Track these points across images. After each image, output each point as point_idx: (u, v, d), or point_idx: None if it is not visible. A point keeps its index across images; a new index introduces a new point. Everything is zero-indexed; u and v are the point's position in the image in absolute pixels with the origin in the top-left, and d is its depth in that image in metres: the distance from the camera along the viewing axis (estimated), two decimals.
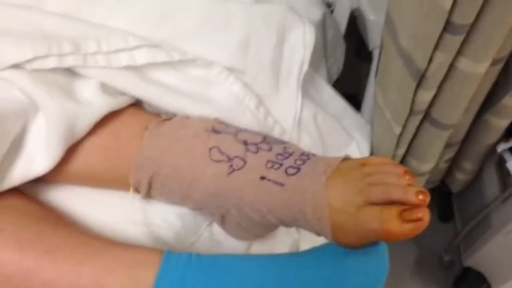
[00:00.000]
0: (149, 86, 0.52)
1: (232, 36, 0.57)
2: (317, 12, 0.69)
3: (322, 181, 0.45)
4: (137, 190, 0.51)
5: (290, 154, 0.48)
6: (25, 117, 0.47)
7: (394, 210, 0.41)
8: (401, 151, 0.73)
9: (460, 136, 0.79)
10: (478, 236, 0.97)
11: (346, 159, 0.48)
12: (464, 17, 0.49)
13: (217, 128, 0.50)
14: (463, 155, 0.86)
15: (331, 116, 0.68)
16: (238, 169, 0.47)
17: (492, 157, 0.89)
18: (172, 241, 0.53)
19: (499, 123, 0.75)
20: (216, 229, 0.55)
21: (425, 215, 0.41)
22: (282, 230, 0.60)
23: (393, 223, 0.41)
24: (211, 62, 0.55)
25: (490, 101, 0.73)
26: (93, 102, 0.49)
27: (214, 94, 0.56)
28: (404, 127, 0.65)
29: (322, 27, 0.70)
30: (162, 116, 0.54)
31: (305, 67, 0.61)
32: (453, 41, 0.52)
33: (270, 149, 0.48)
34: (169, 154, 0.48)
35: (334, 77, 0.76)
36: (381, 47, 0.64)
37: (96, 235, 0.47)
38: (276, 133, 0.60)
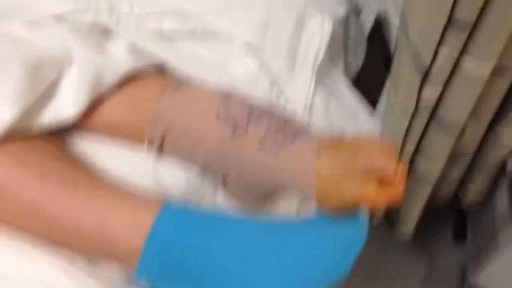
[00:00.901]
0: (173, 51, 0.57)
1: (254, 15, 0.62)
2: (340, 9, 0.73)
3: (314, 150, 0.49)
4: (151, 143, 0.56)
5: (291, 125, 0.52)
6: (61, 66, 0.53)
7: (372, 178, 0.46)
8: (409, 148, 0.75)
9: (472, 146, 0.81)
10: (486, 255, 0.98)
11: (341, 135, 0.52)
12: (466, 14, 0.52)
13: (227, 94, 0.55)
14: (475, 167, 0.88)
15: (344, 106, 0.72)
16: (240, 132, 0.51)
17: (506, 174, 0.90)
18: (178, 199, 0.58)
19: (509, 136, 0.77)
20: (220, 198, 0.59)
21: (400, 184, 0.45)
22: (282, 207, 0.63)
23: (371, 189, 0.45)
24: (232, 35, 0.61)
25: (501, 113, 0.75)
26: (121, 58, 0.55)
27: (232, 67, 0.61)
28: (411, 122, 0.68)
29: (344, 24, 0.75)
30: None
31: (321, 55, 0.66)
32: (457, 37, 0.55)
33: (273, 117, 0.53)
34: (182, 112, 0.53)
35: (353, 74, 0.80)
36: (396, 42, 0.68)
37: (109, 179, 0.53)
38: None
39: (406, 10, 0.59)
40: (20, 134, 0.50)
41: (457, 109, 0.66)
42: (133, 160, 0.58)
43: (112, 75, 0.54)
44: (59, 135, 0.55)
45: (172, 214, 0.49)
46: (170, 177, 0.58)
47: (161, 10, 0.57)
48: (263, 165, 0.51)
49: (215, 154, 0.53)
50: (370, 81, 0.92)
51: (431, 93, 0.63)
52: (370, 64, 0.86)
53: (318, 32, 0.65)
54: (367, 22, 0.83)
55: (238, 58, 0.61)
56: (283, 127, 0.52)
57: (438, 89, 0.63)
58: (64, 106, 0.53)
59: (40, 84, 0.52)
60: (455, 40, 0.55)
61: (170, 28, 0.57)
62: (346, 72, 0.77)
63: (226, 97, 0.55)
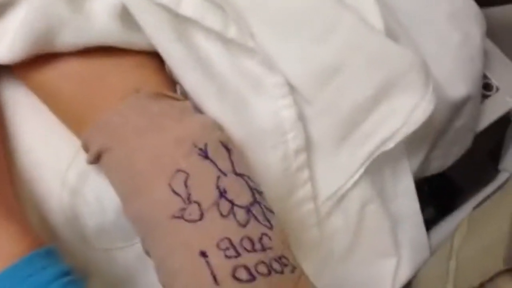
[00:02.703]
0: (178, 44, 0.37)
1: (324, 52, 0.40)
2: (460, 91, 0.50)
3: None
4: (85, 149, 0.38)
5: (262, 250, 0.32)
6: None
7: None
8: None
9: None
10: None
11: None
12: None
13: (209, 150, 0.35)
14: None
15: (388, 214, 0.50)
16: (186, 221, 0.32)
17: None
18: (92, 231, 0.41)
19: None
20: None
21: None
22: None
23: None
24: (275, 66, 0.40)
25: None
26: (98, 20, 0.36)
27: (255, 104, 0.40)
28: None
29: (455, 109, 0.51)
30: (175, 92, 0.39)
31: (390, 145, 0.44)
32: None
33: (244, 225, 0.33)
34: (134, 140, 0.35)
35: (429, 173, 0.57)
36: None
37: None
38: (301, 193, 0.44)
39: None
40: None
41: None
42: (61, 150, 0.40)
43: (73, 38, 0.36)
44: None
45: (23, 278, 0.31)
46: (95, 198, 0.40)
47: None
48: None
49: (141, 222, 0.35)
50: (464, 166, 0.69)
51: None
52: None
53: (401, 117, 0.42)
54: (490, 114, 0.58)
55: (270, 97, 0.41)
56: (250, 247, 0.32)
57: None
58: None
59: None
60: None
61: (186, 15, 0.37)
62: (422, 168, 0.54)
63: (205, 155, 0.35)
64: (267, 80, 0.40)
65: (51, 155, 0.39)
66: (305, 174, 0.43)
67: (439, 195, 0.80)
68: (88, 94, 0.37)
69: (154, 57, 0.39)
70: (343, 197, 0.47)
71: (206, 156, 0.34)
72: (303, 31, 0.40)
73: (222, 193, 0.33)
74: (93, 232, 0.40)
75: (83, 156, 0.38)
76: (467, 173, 0.77)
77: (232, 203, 0.33)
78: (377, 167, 0.47)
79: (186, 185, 0.33)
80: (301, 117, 0.42)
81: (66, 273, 0.33)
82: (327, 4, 0.40)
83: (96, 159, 0.37)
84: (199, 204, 0.32)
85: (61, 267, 0.33)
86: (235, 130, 0.39)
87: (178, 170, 0.33)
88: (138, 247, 0.42)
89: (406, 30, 0.49)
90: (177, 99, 0.38)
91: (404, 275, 0.54)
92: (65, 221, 0.39)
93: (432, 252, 0.55)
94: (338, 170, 0.45)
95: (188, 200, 0.33)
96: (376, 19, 0.42)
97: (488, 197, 0.56)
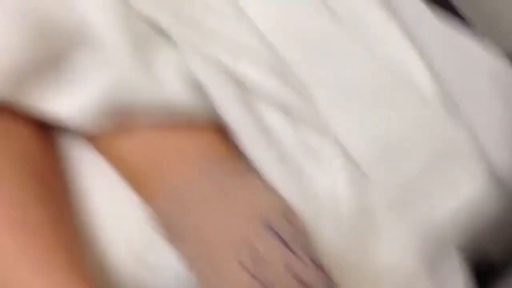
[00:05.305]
0: (246, 117, 0.39)
1: (386, 127, 0.42)
2: None
3: None
4: (156, 220, 0.38)
5: None
6: (71, 40, 0.37)
7: None
8: None
9: None
10: None
11: None
12: None
13: (276, 226, 0.34)
14: None
15: None
16: None
17: None
18: None
19: None
20: None
21: None
22: None
23: None
24: (334, 137, 0.41)
25: None
26: (170, 85, 0.38)
27: (313, 175, 0.41)
28: None
29: None
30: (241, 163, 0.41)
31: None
32: None
33: None
34: (203, 220, 0.35)
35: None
36: None
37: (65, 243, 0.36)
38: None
39: None
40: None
41: None
42: (123, 213, 0.40)
43: (149, 106, 0.38)
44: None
45: None
46: (161, 267, 0.40)
47: (249, 55, 0.39)
48: None
49: None
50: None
51: None
52: None
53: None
54: None
55: (327, 171, 0.41)
56: None
57: None
58: (64, 101, 0.37)
59: (45, 49, 0.36)
60: None
61: (243, 79, 0.39)
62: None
63: (273, 231, 0.35)
64: (325, 151, 0.41)
65: (117, 218, 0.40)
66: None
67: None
68: (160, 161, 0.38)
69: (215, 126, 0.41)
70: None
71: (275, 232, 0.34)
72: (366, 105, 0.42)
73: (298, 279, 0.32)
74: None
75: (151, 223, 0.39)
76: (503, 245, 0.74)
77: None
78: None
79: (255, 262, 0.33)
80: (361, 192, 0.42)
81: None
82: (387, 80, 0.43)
83: (164, 233, 0.37)
84: None
85: None
86: (293, 198, 0.39)
87: (248, 246, 0.33)
88: None
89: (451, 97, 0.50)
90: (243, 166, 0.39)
91: None
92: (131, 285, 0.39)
93: None
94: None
95: (257, 280, 0.32)
96: (428, 89, 0.44)
97: None
